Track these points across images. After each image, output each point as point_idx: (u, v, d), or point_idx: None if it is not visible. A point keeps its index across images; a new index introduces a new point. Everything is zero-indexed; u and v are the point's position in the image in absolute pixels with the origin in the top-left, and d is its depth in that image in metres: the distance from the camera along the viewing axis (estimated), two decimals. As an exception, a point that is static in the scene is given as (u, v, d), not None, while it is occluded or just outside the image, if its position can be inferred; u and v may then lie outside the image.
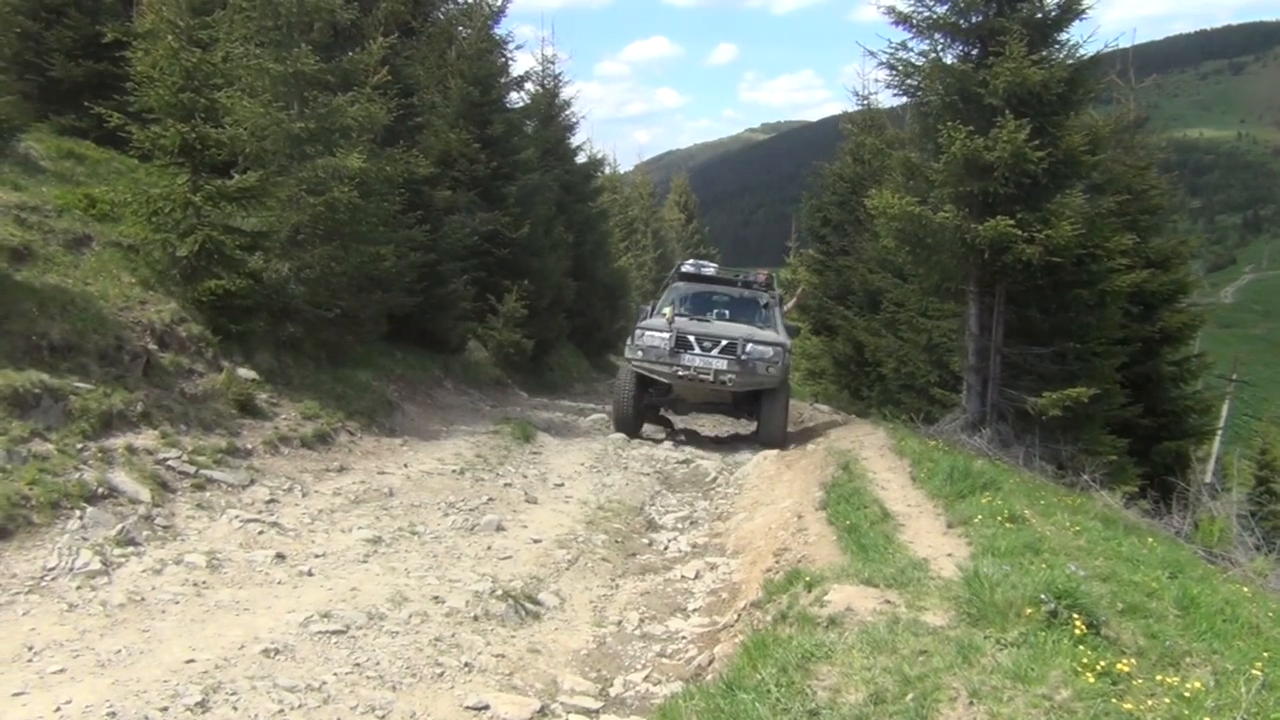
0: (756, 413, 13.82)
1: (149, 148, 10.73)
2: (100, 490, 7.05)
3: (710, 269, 16.19)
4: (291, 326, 11.99)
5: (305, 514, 7.98)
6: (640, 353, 13.43)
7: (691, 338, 13.36)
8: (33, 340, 8.31)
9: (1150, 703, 4.00)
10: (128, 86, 11.52)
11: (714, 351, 13.19)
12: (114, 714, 4.25)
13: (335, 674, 4.84)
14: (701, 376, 13.14)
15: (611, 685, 5.36)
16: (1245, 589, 7.26)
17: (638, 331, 13.66)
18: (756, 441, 13.71)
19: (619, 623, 6.35)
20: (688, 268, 16.09)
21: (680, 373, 13.19)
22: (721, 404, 14.44)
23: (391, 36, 14.82)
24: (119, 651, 4.88)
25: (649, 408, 14.57)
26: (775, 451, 12.39)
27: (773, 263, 42.61)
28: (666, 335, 13.34)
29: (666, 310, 14.38)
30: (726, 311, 15.03)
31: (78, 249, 10.24)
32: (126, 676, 4.60)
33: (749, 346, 13.19)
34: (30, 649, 4.84)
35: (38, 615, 5.28)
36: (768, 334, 13.97)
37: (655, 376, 13.55)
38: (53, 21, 14.28)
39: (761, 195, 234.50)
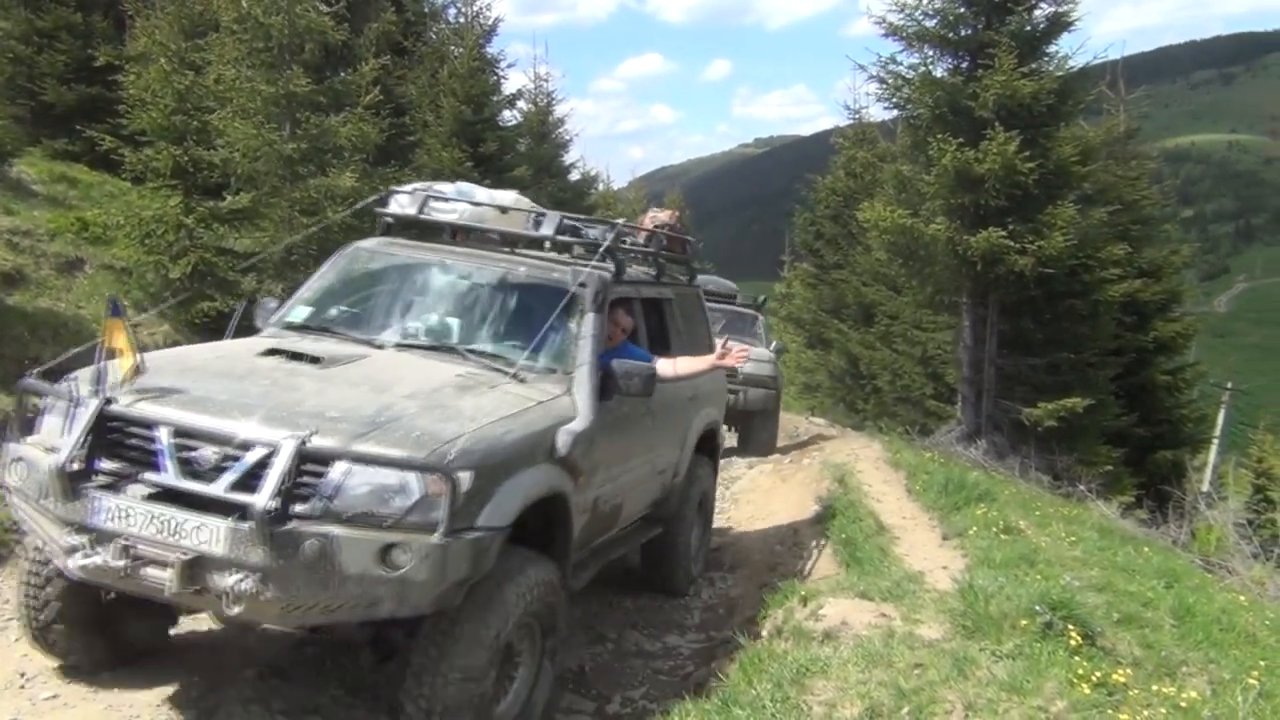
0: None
1: (141, 170, 10.77)
2: (94, 514, 6.96)
3: (465, 204, 6.03)
4: (285, 347, 11.98)
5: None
6: (11, 478, 4.21)
7: (160, 437, 3.96)
8: (24, 364, 8.30)
9: (1146, 713, 3.99)
10: (120, 110, 11.59)
11: (221, 485, 3.84)
12: (107, 739, 4.18)
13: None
14: (146, 571, 3.80)
15: (609, 703, 5.34)
16: (1242, 597, 7.27)
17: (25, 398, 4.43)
18: None
19: (616, 639, 6.33)
20: (400, 203, 6.11)
21: (84, 558, 3.86)
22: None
23: (383, 57, 14.88)
24: (111, 676, 4.86)
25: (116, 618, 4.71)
26: (771, 466, 12.35)
27: (767, 277, 42.69)
28: (63, 428, 4.07)
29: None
30: (456, 323, 5.55)
31: (70, 272, 10.25)
32: (119, 701, 4.57)
33: (340, 471, 3.83)
34: (23, 675, 4.81)
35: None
36: (491, 400, 4.59)
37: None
38: (45, 46, 14.36)
39: (755, 210, 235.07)
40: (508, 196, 6.23)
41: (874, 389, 21.06)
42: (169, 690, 4.62)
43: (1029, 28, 13.63)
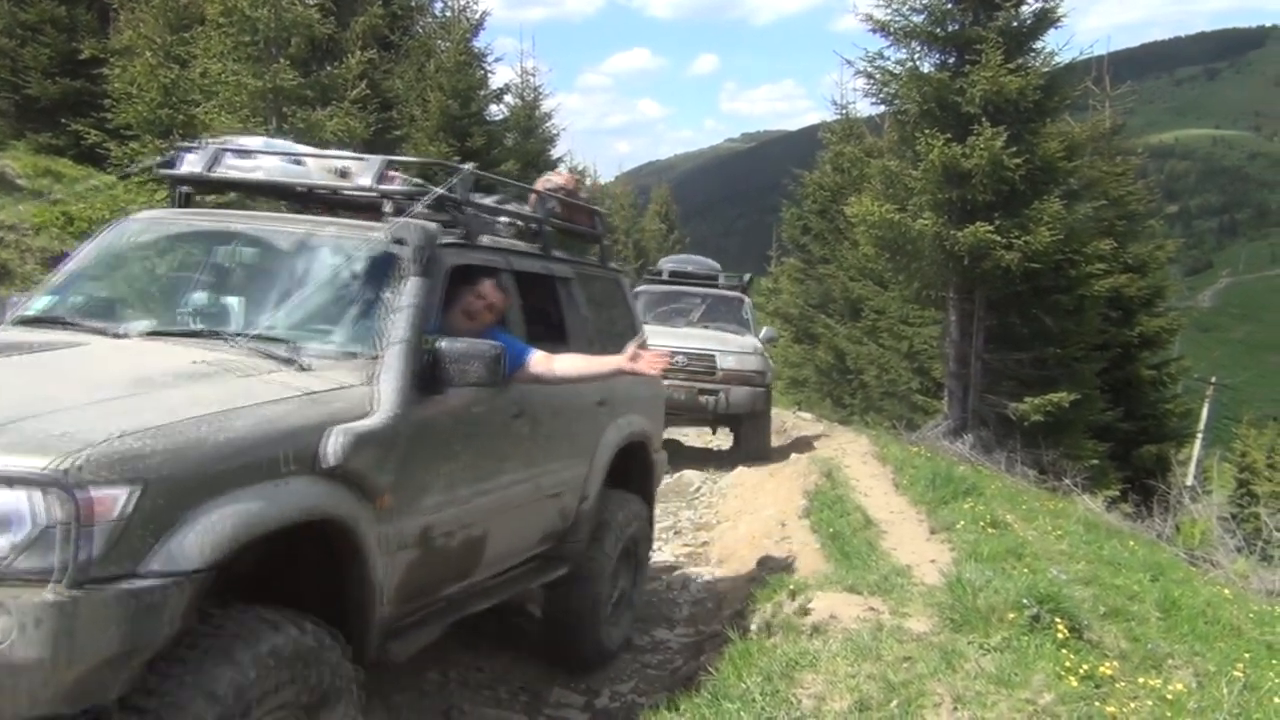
0: None
1: (127, 164, 10.71)
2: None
3: (274, 159, 4.46)
4: (272, 342, 11.96)
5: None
6: None
7: None
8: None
9: (1133, 705, 4.02)
10: (105, 104, 11.54)
11: None
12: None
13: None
14: None
15: (598, 697, 5.34)
16: (1227, 591, 7.32)
17: None
18: None
19: (604, 634, 6.33)
20: (189, 162, 4.46)
21: None
22: None
23: (370, 51, 14.83)
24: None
25: None
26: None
27: (754, 271, 42.70)
28: None
29: None
30: (236, 302, 4.28)
31: (55, 267, 10.21)
32: None
33: None
34: None
35: None
36: None
37: None
38: (29, 39, 14.29)
39: (742, 205, 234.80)
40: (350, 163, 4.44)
41: (861, 384, 21.14)
42: None
43: (1016, 23, 13.69)
